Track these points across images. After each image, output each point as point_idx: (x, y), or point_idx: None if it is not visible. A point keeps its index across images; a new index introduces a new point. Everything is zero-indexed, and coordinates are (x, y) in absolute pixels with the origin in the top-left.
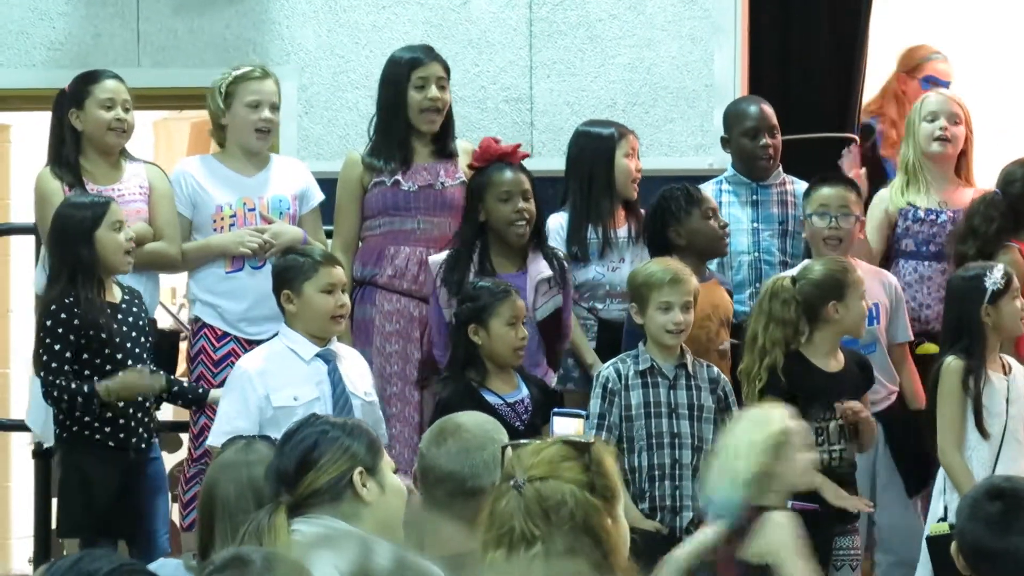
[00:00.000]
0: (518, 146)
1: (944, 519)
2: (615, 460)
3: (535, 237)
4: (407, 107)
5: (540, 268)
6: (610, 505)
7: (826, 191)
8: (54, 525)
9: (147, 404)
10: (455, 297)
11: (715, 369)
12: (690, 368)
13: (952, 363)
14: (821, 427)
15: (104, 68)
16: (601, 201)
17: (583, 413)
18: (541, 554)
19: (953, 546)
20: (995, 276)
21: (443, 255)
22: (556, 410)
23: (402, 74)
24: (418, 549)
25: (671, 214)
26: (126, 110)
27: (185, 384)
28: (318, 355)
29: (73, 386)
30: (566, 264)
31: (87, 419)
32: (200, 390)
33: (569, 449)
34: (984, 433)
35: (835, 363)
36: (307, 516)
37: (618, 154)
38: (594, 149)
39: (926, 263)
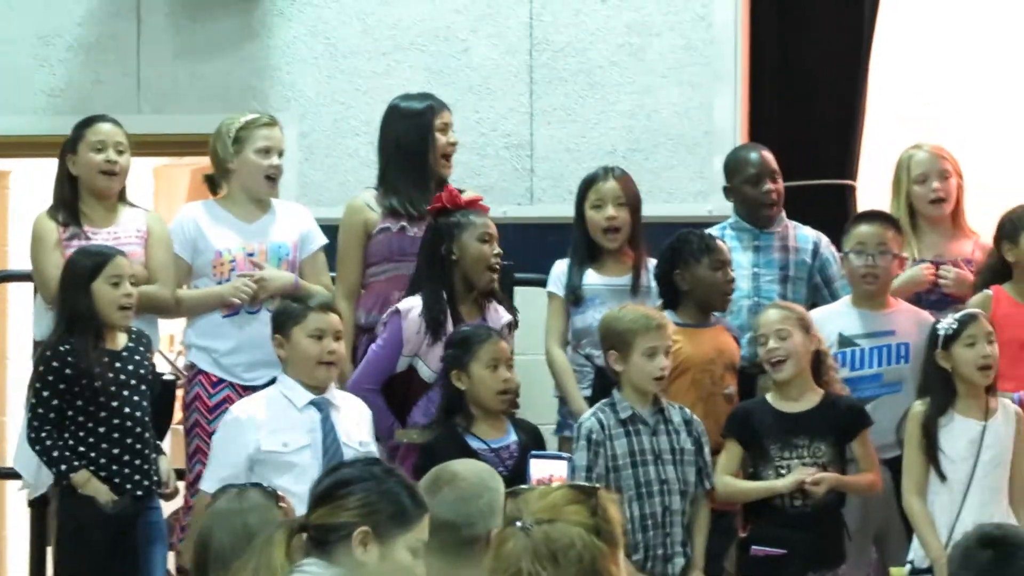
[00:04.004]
0: (481, 198)
1: (911, 562)
2: (618, 508)
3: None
4: (434, 151)
5: (501, 314)
6: (614, 551)
7: (864, 229)
8: (50, 574)
9: (146, 451)
10: (438, 341)
11: (687, 411)
12: (667, 412)
13: (915, 409)
14: (781, 466)
15: (101, 114)
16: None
17: (563, 456)
18: None
19: None
20: (946, 322)
21: (414, 302)
22: (534, 452)
23: (427, 120)
24: None
25: (681, 258)
26: (119, 152)
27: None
28: (312, 403)
29: (50, 443)
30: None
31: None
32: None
33: (576, 493)
34: (941, 477)
35: (801, 404)
36: (313, 559)
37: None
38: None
39: (928, 311)
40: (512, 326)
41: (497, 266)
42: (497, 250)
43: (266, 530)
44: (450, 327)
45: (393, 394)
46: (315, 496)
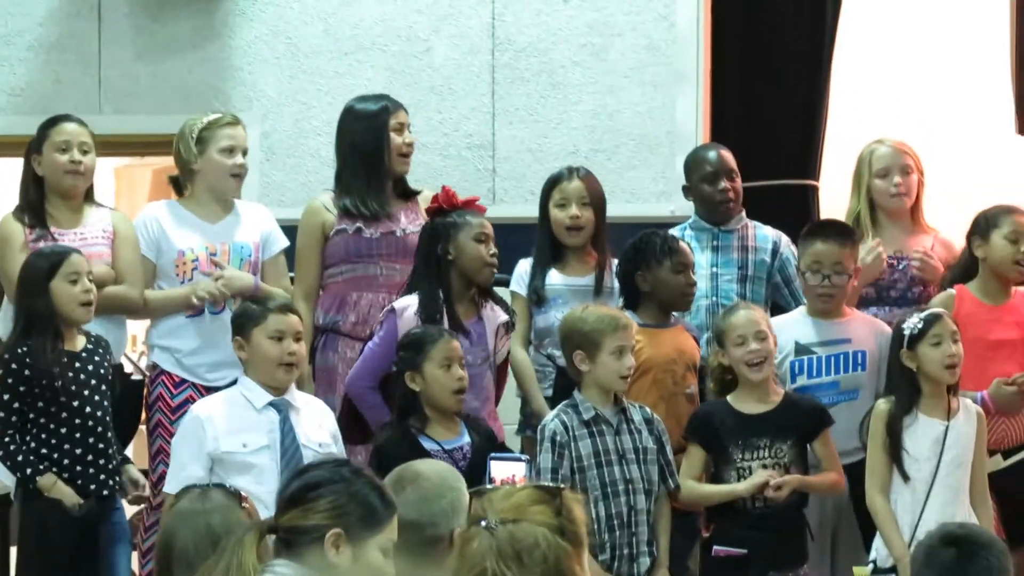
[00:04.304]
0: (477, 199)
1: (873, 561)
2: (583, 508)
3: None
4: (390, 152)
5: (497, 313)
6: (578, 551)
7: (820, 248)
8: (12, 574)
9: (109, 452)
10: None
11: (647, 409)
12: (628, 412)
13: (880, 408)
14: (743, 468)
15: (66, 113)
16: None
17: (521, 457)
18: None
19: None
20: (911, 321)
21: (409, 301)
22: (493, 454)
23: (383, 120)
24: None
25: (644, 259)
26: (84, 152)
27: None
28: (271, 404)
29: (13, 447)
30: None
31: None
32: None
33: (540, 493)
34: (904, 477)
35: (761, 405)
36: (283, 560)
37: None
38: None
39: (887, 308)
40: (508, 326)
41: (494, 264)
42: (493, 249)
43: (230, 531)
44: (445, 325)
45: (391, 392)
46: (285, 498)
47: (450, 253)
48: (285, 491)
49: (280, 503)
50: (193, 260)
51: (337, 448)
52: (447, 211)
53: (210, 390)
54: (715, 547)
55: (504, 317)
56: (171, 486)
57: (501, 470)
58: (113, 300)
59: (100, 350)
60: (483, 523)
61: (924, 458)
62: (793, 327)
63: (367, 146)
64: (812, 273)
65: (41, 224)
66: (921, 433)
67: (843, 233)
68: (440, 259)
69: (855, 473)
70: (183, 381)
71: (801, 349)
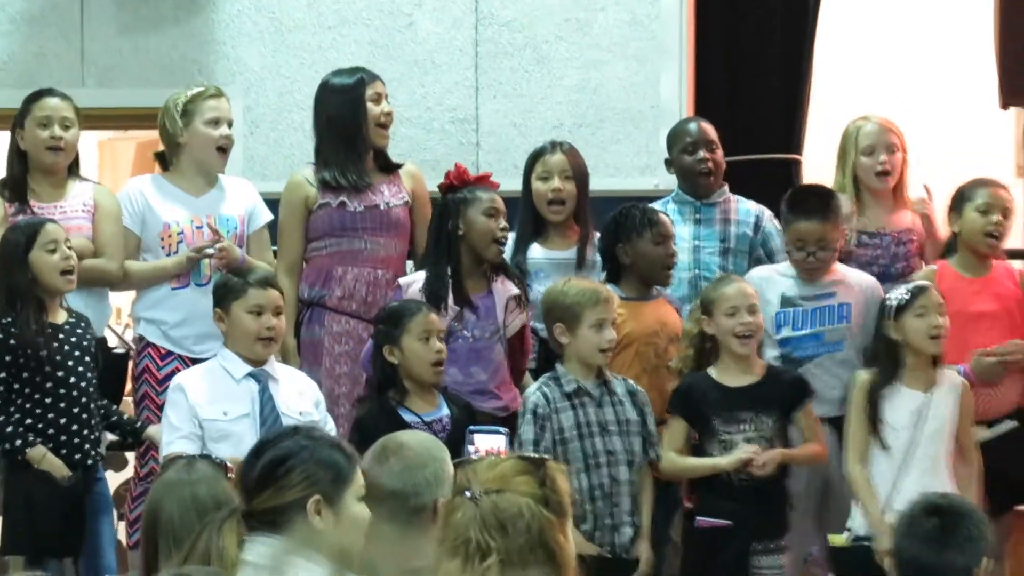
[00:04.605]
0: (490, 174)
1: (849, 530)
2: (566, 479)
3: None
4: (367, 122)
5: (508, 287)
6: (562, 521)
7: (803, 226)
8: None
9: (92, 422)
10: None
11: (630, 382)
12: (611, 384)
13: (860, 377)
14: (726, 441)
15: (50, 87)
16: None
17: (501, 430)
18: (496, 565)
19: (889, 561)
20: (897, 293)
21: (415, 277)
22: (473, 428)
23: (359, 91)
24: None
25: (624, 231)
26: (66, 128)
27: (125, 417)
28: (250, 375)
29: (2, 419)
30: (526, 283)
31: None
32: (138, 424)
33: (524, 464)
34: (882, 445)
35: (745, 378)
36: (263, 534)
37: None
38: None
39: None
40: (519, 299)
41: (504, 239)
42: (503, 224)
43: (216, 500)
44: (451, 301)
45: None
46: (253, 480)
47: (460, 228)
48: (251, 473)
49: (248, 485)
50: (179, 233)
51: (320, 414)
52: (458, 187)
53: (196, 362)
54: (698, 518)
55: (515, 291)
56: (166, 450)
57: (484, 443)
58: (90, 272)
59: (82, 323)
60: (467, 493)
61: (902, 427)
62: (780, 280)
63: (344, 119)
64: (797, 251)
65: (21, 199)
66: (900, 403)
67: (824, 208)
68: (451, 235)
69: (841, 425)
70: (169, 353)
71: (786, 301)
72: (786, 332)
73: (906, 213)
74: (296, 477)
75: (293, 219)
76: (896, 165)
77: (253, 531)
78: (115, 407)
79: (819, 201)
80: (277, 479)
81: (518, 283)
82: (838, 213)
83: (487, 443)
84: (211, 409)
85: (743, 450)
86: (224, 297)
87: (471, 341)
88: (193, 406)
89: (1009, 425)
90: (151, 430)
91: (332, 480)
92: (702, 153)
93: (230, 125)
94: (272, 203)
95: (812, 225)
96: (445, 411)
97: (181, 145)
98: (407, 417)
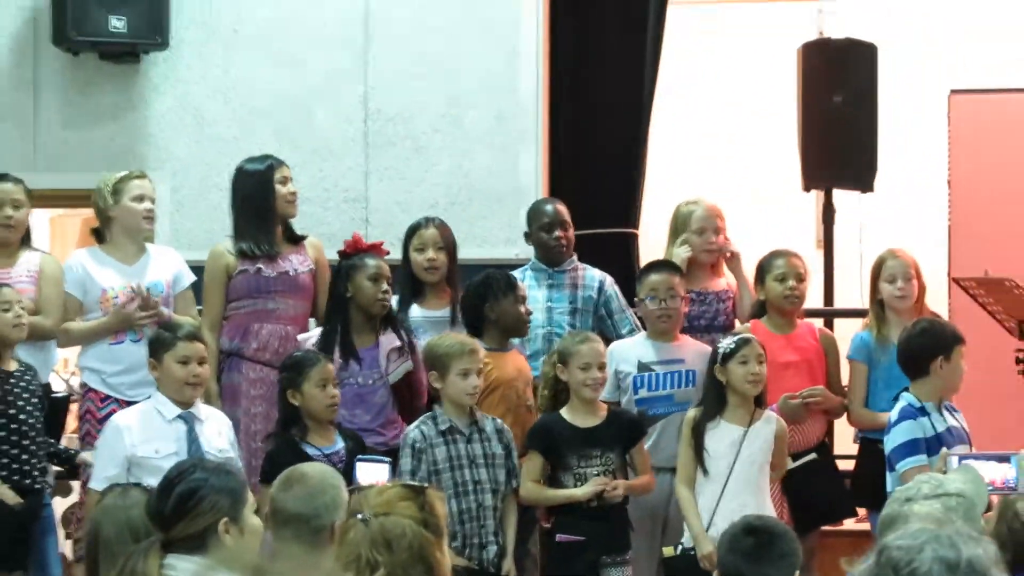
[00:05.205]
0: (382, 243)
1: (681, 543)
2: (444, 504)
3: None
4: (275, 200)
5: (391, 339)
6: (439, 540)
7: (655, 278)
8: None
9: (40, 455)
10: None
11: (498, 421)
12: (480, 423)
13: (689, 414)
14: (579, 474)
15: (4, 172)
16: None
17: (385, 460)
18: None
19: (708, 563)
20: (726, 342)
21: (312, 333)
22: (360, 457)
23: (269, 175)
24: None
25: (491, 293)
26: (16, 208)
27: (62, 447)
28: (180, 416)
29: None
30: (414, 335)
31: None
32: (72, 452)
33: (408, 491)
34: (704, 471)
35: (592, 419)
36: (181, 555)
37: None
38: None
39: (699, 335)
40: (401, 350)
41: (387, 300)
42: (385, 287)
43: (146, 524)
44: (337, 355)
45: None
46: (167, 514)
47: (348, 291)
48: (163, 508)
49: (162, 518)
50: (114, 297)
51: (234, 452)
52: (351, 255)
53: (130, 404)
54: (558, 535)
55: (397, 342)
56: (96, 483)
57: (367, 471)
58: (30, 329)
59: (30, 371)
60: (359, 516)
61: (721, 456)
62: (636, 348)
63: (256, 198)
64: (651, 299)
65: None
66: (720, 436)
67: (671, 266)
68: (342, 296)
69: None
70: (108, 397)
71: (643, 366)
72: (643, 393)
73: (721, 279)
74: (205, 506)
75: (215, 283)
76: (721, 243)
77: (174, 554)
78: (52, 440)
79: (666, 263)
80: (189, 510)
81: (404, 335)
82: (682, 273)
83: (371, 471)
84: (145, 447)
85: (596, 482)
86: (157, 349)
87: (355, 387)
88: (127, 446)
89: (810, 457)
90: (84, 455)
91: (232, 502)
92: (557, 232)
93: (153, 201)
94: (197, 269)
95: (662, 276)
96: (341, 445)
97: (112, 219)
98: (309, 451)
